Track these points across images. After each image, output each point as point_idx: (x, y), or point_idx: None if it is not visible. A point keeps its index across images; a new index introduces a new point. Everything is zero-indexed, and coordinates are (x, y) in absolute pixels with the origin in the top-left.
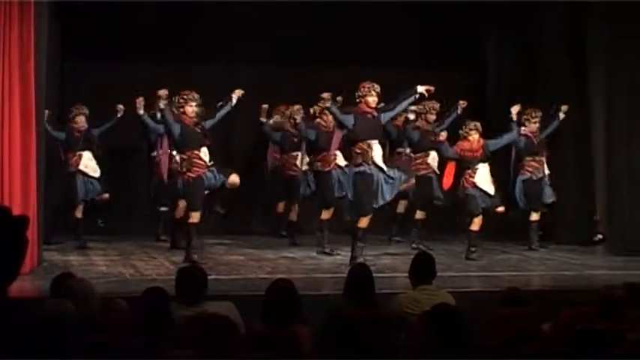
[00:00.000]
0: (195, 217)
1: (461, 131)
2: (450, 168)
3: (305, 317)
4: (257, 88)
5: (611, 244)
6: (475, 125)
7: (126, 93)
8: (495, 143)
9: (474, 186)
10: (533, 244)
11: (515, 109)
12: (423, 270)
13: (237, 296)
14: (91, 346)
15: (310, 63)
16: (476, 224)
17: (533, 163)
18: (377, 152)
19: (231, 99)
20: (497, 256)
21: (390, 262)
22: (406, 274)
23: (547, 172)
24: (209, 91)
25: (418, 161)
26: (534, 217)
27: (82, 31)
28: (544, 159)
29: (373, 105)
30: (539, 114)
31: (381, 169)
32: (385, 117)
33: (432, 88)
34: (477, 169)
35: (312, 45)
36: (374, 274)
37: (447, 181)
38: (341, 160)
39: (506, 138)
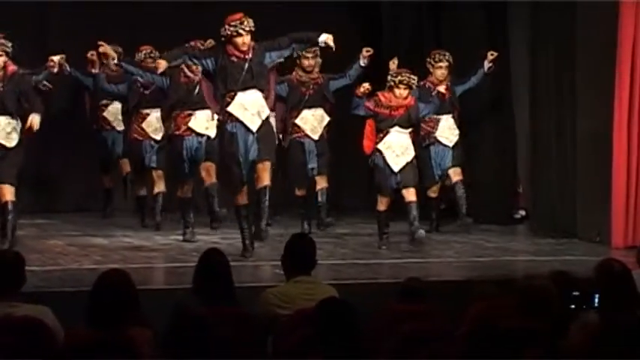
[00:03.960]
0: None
1: (390, 78)
2: (370, 127)
3: (145, 318)
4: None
5: (536, 223)
6: (409, 77)
7: None
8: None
9: (383, 156)
10: (434, 225)
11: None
12: (299, 257)
13: (55, 293)
14: None
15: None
16: (382, 203)
17: (423, 125)
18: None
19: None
20: (392, 238)
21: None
22: (277, 263)
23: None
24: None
25: (291, 121)
26: (431, 193)
27: None
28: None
29: (244, 48)
30: (447, 57)
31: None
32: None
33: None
34: (388, 133)
35: None
36: (233, 263)
37: (368, 143)
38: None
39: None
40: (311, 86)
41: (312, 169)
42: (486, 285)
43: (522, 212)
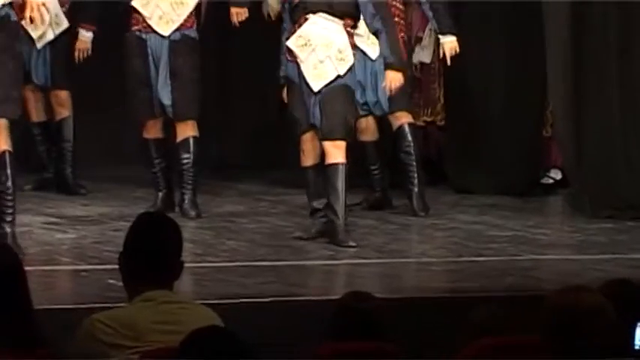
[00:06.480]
0: None
1: None
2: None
3: None
4: None
5: (580, 194)
6: None
7: None
8: None
9: (299, 71)
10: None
11: None
12: (149, 256)
13: None
14: None
15: None
16: (307, 153)
17: None
18: None
19: None
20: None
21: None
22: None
23: None
24: None
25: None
26: (363, 134)
27: None
28: None
29: None
30: None
31: None
32: None
33: None
34: (306, 21)
35: None
36: (28, 267)
37: None
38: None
39: None
40: None
41: (164, 106)
42: (491, 306)
43: (555, 174)
